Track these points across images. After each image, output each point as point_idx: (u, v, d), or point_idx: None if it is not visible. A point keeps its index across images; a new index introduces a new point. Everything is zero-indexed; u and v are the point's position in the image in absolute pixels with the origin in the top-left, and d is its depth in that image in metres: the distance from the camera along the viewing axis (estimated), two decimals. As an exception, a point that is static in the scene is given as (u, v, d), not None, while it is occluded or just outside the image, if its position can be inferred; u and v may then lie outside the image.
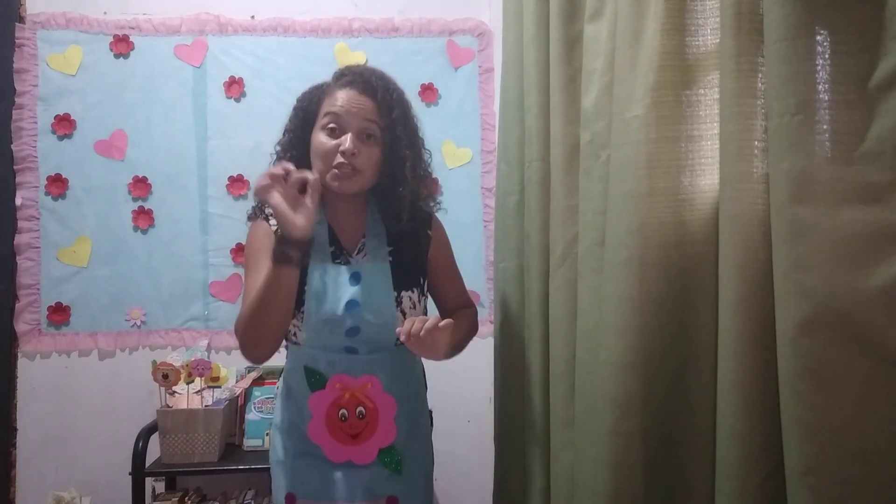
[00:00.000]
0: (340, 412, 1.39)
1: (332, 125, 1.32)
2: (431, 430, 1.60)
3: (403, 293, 1.41)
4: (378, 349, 1.41)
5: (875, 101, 0.79)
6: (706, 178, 1.09)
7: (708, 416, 1.07)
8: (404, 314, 1.40)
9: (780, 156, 0.84)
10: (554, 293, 1.45)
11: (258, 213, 1.46)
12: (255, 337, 1.31)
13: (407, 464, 1.44)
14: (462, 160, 2.43)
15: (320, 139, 1.33)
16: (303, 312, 1.36)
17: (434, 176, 1.55)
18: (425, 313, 1.49)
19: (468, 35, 2.45)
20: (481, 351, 2.33)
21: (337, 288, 1.37)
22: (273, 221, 1.38)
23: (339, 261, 1.40)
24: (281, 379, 1.50)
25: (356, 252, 1.43)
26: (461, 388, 2.33)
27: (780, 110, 0.83)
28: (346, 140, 1.31)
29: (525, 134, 1.60)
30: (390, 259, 1.42)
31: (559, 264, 1.43)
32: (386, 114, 1.35)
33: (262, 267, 1.29)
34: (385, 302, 1.39)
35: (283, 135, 1.43)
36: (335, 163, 1.31)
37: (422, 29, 2.42)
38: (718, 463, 0.99)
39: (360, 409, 1.40)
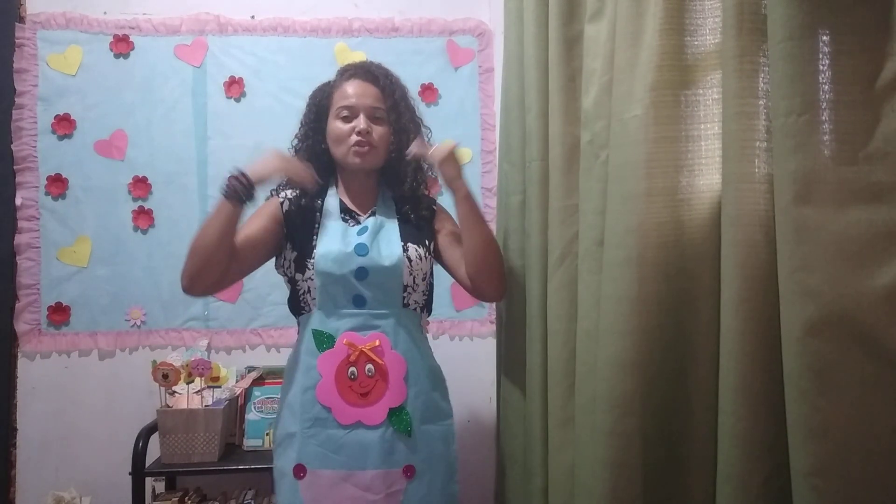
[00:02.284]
0: (350, 370, 1.43)
1: (345, 113, 1.51)
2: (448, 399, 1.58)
3: (410, 244, 1.52)
4: (386, 306, 1.47)
5: (881, 101, 0.79)
6: (705, 178, 1.09)
7: (708, 416, 1.06)
8: (410, 261, 1.49)
9: (786, 156, 0.83)
10: (553, 293, 1.45)
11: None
12: (192, 260, 1.43)
13: (422, 431, 1.45)
14: (462, 160, 2.42)
15: (336, 126, 1.52)
16: (314, 259, 1.46)
17: (433, 175, 1.63)
18: (431, 275, 1.58)
19: (468, 35, 2.45)
20: (481, 351, 2.34)
21: (346, 236, 1.50)
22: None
23: (349, 223, 1.54)
24: (289, 358, 1.55)
25: (366, 217, 1.56)
26: (461, 388, 2.32)
27: (785, 110, 0.83)
28: (360, 121, 1.50)
29: (525, 134, 1.60)
30: (398, 220, 1.56)
31: (558, 264, 1.43)
32: (389, 95, 1.53)
33: (249, 218, 1.52)
34: (392, 247, 1.48)
35: (300, 128, 1.62)
36: (353, 142, 1.50)
37: (422, 29, 2.42)
38: (719, 463, 0.99)
39: (370, 367, 1.43)
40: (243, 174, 1.42)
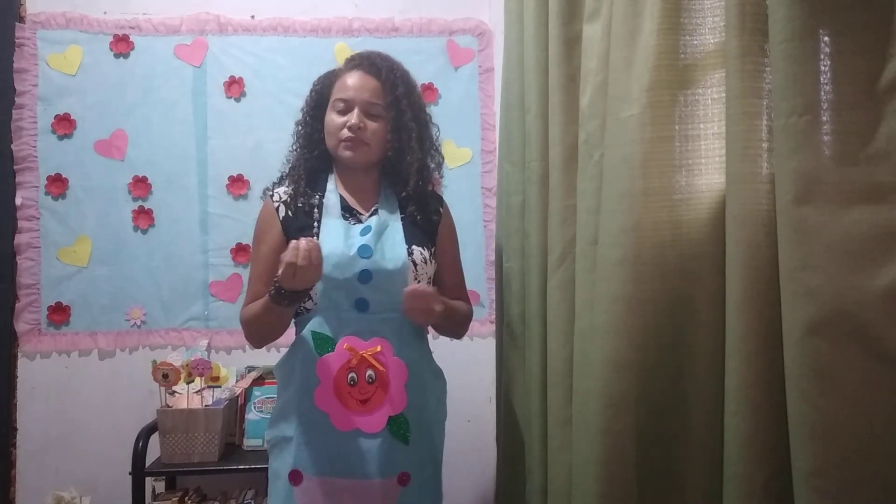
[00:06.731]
0: (350, 376, 1.37)
1: (340, 105, 1.47)
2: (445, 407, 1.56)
3: (414, 247, 1.48)
4: (389, 309, 1.41)
5: (883, 102, 0.79)
6: (703, 177, 1.09)
7: (706, 416, 1.06)
8: (415, 264, 1.45)
9: (787, 156, 0.83)
10: (552, 293, 1.44)
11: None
12: (253, 338, 1.50)
13: (418, 437, 1.41)
14: (462, 160, 2.42)
15: (332, 118, 1.49)
16: None
17: (440, 175, 1.62)
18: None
19: (468, 35, 2.45)
20: (481, 351, 2.34)
21: (348, 238, 1.44)
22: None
23: (350, 221, 1.49)
24: (283, 359, 1.49)
25: (368, 216, 1.51)
26: (461, 388, 2.32)
27: (787, 110, 0.83)
28: (353, 116, 1.46)
29: (525, 134, 1.60)
30: (401, 221, 1.51)
31: (558, 264, 1.42)
32: (390, 91, 1.48)
33: (262, 255, 1.48)
34: (396, 249, 1.44)
35: (301, 115, 1.58)
36: (343, 136, 1.46)
37: (422, 29, 2.42)
38: (723, 463, 0.98)
39: (371, 372, 1.37)
40: (282, 288, 1.32)
